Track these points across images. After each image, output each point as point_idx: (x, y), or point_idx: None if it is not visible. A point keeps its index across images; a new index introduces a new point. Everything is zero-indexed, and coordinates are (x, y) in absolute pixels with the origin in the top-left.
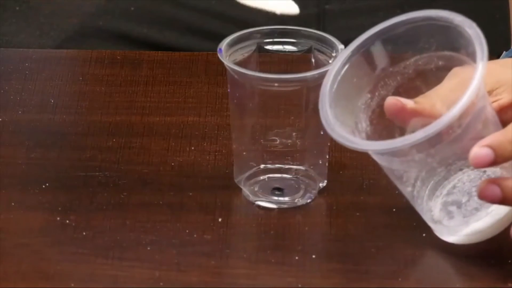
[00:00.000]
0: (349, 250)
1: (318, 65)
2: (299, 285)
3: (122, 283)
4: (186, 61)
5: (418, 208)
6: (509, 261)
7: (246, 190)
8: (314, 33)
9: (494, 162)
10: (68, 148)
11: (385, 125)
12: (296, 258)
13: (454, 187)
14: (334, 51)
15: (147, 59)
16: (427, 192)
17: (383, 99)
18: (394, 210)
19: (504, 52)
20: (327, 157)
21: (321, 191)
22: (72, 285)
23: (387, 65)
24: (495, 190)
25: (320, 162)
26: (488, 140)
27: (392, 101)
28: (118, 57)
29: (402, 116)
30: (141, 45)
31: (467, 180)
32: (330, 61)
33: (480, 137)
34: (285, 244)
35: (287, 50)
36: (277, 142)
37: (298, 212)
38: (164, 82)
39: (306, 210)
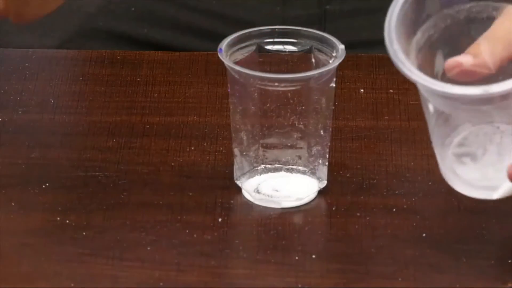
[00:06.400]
0: (349, 250)
1: (319, 65)
2: (299, 285)
3: (122, 283)
4: (186, 61)
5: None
6: (509, 261)
7: (246, 190)
8: (315, 33)
9: None
10: (68, 148)
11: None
12: (296, 258)
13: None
14: (335, 51)
15: (147, 59)
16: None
17: (429, 38)
18: (394, 210)
19: None
20: (327, 157)
21: (321, 191)
22: (72, 285)
23: (441, 6)
24: None
25: (320, 162)
26: None
27: (451, 63)
28: (118, 57)
29: (465, 75)
30: (141, 45)
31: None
32: (330, 61)
33: None
34: (285, 244)
35: (287, 50)
36: (277, 142)
37: (298, 212)
38: (164, 82)
39: (306, 210)
